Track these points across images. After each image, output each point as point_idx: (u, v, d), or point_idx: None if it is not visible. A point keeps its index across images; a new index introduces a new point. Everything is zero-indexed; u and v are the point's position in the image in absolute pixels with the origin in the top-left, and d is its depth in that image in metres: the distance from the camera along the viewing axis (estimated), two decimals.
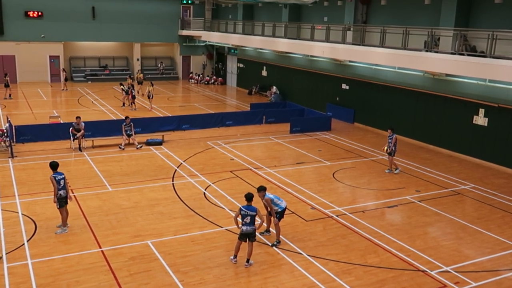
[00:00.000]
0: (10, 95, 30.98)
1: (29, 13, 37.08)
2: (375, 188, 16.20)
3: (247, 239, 10.73)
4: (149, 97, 28.52)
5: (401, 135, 22.77)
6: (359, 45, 23.04)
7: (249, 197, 10.77)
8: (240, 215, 10.75)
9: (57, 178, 11.94)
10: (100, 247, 11.46)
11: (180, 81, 42.60)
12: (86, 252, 11.21)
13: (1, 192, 14.58)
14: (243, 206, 10.78)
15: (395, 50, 20.68)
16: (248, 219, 10.62)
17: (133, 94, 28.58)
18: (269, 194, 11.61)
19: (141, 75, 35.31)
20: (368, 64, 24.28)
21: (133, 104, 28.53)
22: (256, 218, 10.83)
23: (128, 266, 10.60)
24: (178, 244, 11.74)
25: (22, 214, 13.19)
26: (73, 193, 14.64)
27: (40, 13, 37.41)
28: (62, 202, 12.07)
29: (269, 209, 11.68)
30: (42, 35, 37.39)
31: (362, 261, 11.13)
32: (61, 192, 11.97)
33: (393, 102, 23.95)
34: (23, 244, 11.50)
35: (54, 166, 12.20)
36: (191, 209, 13.90)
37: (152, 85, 28.83)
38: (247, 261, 10.77)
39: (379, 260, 11.23)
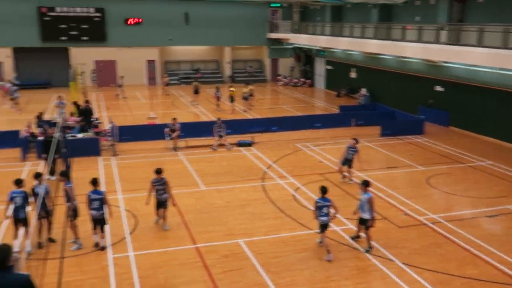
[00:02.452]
0: (119, 95, 33.77)
1: (128, 20, 39.49)
2: (473, 196, 15.40)
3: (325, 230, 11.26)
4: (245, 99, 29.18)
5: (503, 140, 21.44)
6: (454, 45, 22.01)
7: (323, 190, 11.25)
8: (317, 208, 11.17)
9: (90, 197, 11.36)
10: (195, 244, 11.96)
11: (268, 84, 43.15)
12: (182, 248, 11.75)
13: (106, 187, 15.65)
14: (318, 199, 11.28)
15: (495, 49, 19.50)
16: (325, 210, 11.11)
17: (218, 96, 29.56)
18: (369, 194, 11.49)
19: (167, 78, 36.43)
20: (465, 65, 23.10)
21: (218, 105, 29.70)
22: (331, 210, 11.25)
23: (221, 263, 10.97)
24: (268, 244, 11.94)
25: (124, 209, 14.09)
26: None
27: (139, 20, 39.70)
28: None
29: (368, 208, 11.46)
30: (170, 38, 39.70)
31: (460, 272, 10.65)
32: (92, 212, 11.36)
33: (492, 105, 22.61)
34: (125, 237, 12.29)
35: (94, 182, 11.58)
36: (281, 211, 14.07)
37: (247, 85, 29.66)
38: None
39: (478, 272, 10.68)
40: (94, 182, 11.59)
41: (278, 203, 14.66)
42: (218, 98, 29.62)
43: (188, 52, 42.98)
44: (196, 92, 31.76)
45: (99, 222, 11.54)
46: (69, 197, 11.55)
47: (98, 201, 11.41)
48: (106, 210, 11.58)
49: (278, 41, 43.25)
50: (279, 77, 43.41)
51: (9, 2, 36.49)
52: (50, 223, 11.93)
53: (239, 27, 41.99)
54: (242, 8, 41.80)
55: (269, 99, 35.88)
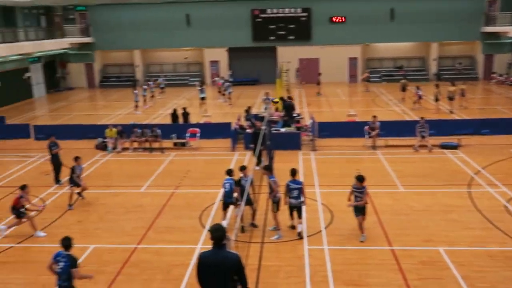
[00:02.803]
0: (319, 92, 34.44)
1: (333, 18, 40.16)
2: None
3: None
4: (450, 99, 27.22)
5: None
6: None
7: None
8: None
9: (290, 187, 11.88)
10: (391, 246, 11.60)
11: (480, 82, 39.45)
12: (377, 248, 11.51)
13: (304, 180, 16.18)
14: None
15: None
16: None
17: (420, 94, 28.04)
18: None
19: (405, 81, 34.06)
20: None
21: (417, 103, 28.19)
22: None
23: (418, 270, 10.43)
24: (473, 256, 10.94)
25: (321, 203, 14.41)
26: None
27: (343, 18, 40.08)
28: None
29: None
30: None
31: None
32: (291, 200, 11.87)
33: None
34: (321, 230, 12.55)
35: (293, 173, 12.06)
36: (490, 221, 12.74)
37: (454, 84, 27.59)
38: None
39: None
40: (293, 172, 12.14)
41: (486, 212, 13.31)
42: (419, 97, 28.20)
43: (392, 49, 41.81)
44: (404, 89, 30.92)
45: (297, 210, 12.09)
46: (272, 190, 12.24)
47: (297, 190, 11.93)
48: (303, 199, 12.01)
49: (494, 35, 39.16)
50: (493, 75, 39.35)
51: (226, 7, 40.32)
52: (254, 210, 12.83)
53: (449, 21, 39.15)
54: (453, 1, 38.92)
55: (480, 99, 32.76)
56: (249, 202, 12.42)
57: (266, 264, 10.89)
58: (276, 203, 12.18)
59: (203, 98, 29.09)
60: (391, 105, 30.02)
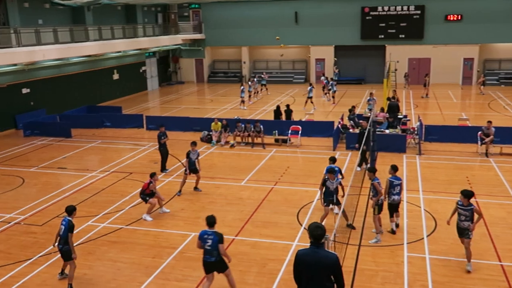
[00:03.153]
0: (427, 94, 32.81)
1: (448, 16, 38.02)
2: None
3: None
4: None
5: None
6: None
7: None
8: None
9: (393, 183, 11.83)
10: (500, 261, 10.76)
11: None
12: (484, 262, 10.73)
13: (408, 185, 15.57)
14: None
15: None
16: None
17: None
18: None
19: None
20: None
21: None
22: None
23: None
24: None
25: (424, 209, 13.75)
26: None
27: (459, 16, 37.80)
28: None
29: None
30: (277, 37, 38.19)
31: None
32: (394, 197, 11.80)
33: None
34: (423, 238, 11.98)
35: (395, 168, 12.00)
36: None
37: None
38: None
39: None
40: (395, 168, 11.97)
41: None
42: None
43: None
44: None
45: (396, 208, 11.98)
46: (376, 192, 11.88)
47: (399, 186, 11.80)
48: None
49: None
50: None
51: (336, 5, 39.86)
52: (344, 212, 12.40)
53: None
54: None
55: None
56: (337, 203, 12.30)
57: (362, 267, 10.63)
58: (378, 206, 11.83)
59: (310, 97, 29.03)
60: (509, 110, 27.77)
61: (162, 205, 14.07)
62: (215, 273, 9.33)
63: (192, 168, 15.35)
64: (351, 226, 12.51)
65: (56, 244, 10.04)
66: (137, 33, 35.57)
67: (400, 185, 11.87)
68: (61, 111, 27.74)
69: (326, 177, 12.37)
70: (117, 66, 35.94)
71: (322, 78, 36.12)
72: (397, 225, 12.37)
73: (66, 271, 10.38)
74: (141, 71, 39.59)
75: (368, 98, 26.11)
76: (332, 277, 6.29)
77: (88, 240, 12.33)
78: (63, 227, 9.92)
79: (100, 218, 13.67)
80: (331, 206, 12.51)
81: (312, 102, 29.14)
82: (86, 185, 16.64)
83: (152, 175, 13.63)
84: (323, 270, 6.19)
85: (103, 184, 16.58)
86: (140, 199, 13.89)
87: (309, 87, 29.60)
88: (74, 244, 10.16)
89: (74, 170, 18.42)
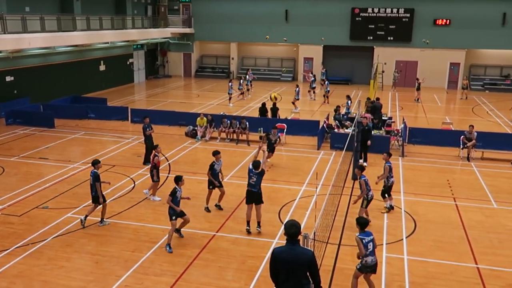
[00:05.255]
0: (418, 99, 32.92)
1: (437, 21, 38.32)
2: None
3: None
4: None
5: None
6: None
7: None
8: None
9: (364, 241, 9.27)
10: (476, 264, 10.90)
11: None
12: (461, 264, 10.87)
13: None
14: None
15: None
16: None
17: None
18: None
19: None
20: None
21: None
22: None
23: None
24: None
25: (404, 211, 13.87)
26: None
27: (447, 21, 38.13)
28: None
29: None
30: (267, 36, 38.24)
31: None
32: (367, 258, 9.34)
33: None
34: (402, 239, 12.09)
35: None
36: None
37: None
38: None
39: None
40: (390, 154, 14.04)
41: None
42: None
43: (499, 56, 39.06)
44: None
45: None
46: (362, 189, 12.27)
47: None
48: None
49: None
50: None
51: (327, 5, 39.92)
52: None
53: None
54: None
55: None
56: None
57: (341, 266, 10.68)
58: (368, 200, 12.40)
59: (297, 99, 29.00)
60: (492, 116, 28.13)
61: (154, 193, 14.44)
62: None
63: (216, 180, 13.66)
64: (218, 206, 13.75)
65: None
66: (126, 24, 35.25)
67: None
68: (45, 100, 27.40)
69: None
70: (104, 57, 35.60)
71: (311, 75, 36.11)
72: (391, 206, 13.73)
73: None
74: (128, 63, 39.28)
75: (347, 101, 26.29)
76: (308, 274, 6.32)
77: (67, 232, 12.21)
78: (91, 178, 12.23)
79: (81, 210, 13.54)
80: None
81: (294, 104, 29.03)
82: (68, 176, 16.49)
83: (155, 147, 14.53)
84: (299, 267, 6.23)
85: (85, 176, 16.38)
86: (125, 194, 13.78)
87: (296, 89, 29.56)
88: (53, 236, 10.06)
89: (56, 160, 18.23)
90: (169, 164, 18.03)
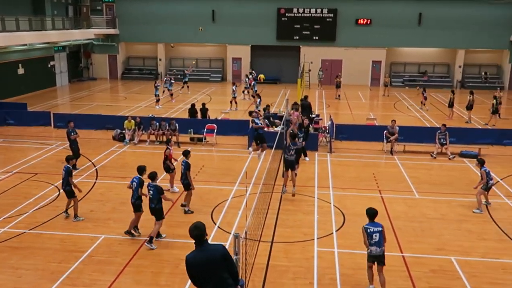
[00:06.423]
0: (339, 96, 33.94)
1: (359, 20, 39.81)
2: None
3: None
4: (468, 108, 26.69)
5: None
6: None
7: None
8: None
9: (368, 231, 9.69)
10: (402, 252, 11.43)
11: (506, 92, 38.62)
12: (387, 254, 11.21)
13: (319, 182, 16.10)
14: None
15: None
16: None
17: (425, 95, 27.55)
18: None
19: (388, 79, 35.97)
20: None
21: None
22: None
23: (428, 278, 10.26)
24: (485, 268, 10.71)
25: (333, 205, 14.28)
26: (381, 194, 15.03)
27: (368, 21, 39.70)
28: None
29: None
30: (200, 28, 39.97)
31: None
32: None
33: None
34: (332, 233, 12.43)
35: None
36: (505, 233, 12.47)
37: (472, 94, 26.91)
38: None
39: None
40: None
41: (502, 224, 13.03)
42: (425, 98, 29.60)
43: (416, 54, 41.28)
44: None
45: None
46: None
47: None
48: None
49: None
50: None
51: (253, 5, 40.29)
52: None
53: (477, 28, 38.56)
54: (483, 8, 38.17)
55: (504, 109, 32.08)
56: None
57: (274, 263, 10.81)
58: (487, 188, 13.97)
59: (234, 97, 29.12)
60: (412, 111, 29.60)
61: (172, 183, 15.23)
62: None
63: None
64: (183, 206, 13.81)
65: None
66: (45, 25, 33.65)
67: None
68: None
69: None
70: (23, 60, 33.82)
71: (250, 76, 36.17)
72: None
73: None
74: (49, 66, 37.54)
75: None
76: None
77: None
78: (63, 172, 12.62)
79: (1, 223, 12.78)
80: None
81: (236, 102, 29.16)
82: None
83: (168, 141, 15.42)
84: (217, 265, 6.14)
85: (5, 186, 15.52)
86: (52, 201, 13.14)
87: (233, 87, 29.55)
88: None
89: None
90: (96, 169, 17.43)
